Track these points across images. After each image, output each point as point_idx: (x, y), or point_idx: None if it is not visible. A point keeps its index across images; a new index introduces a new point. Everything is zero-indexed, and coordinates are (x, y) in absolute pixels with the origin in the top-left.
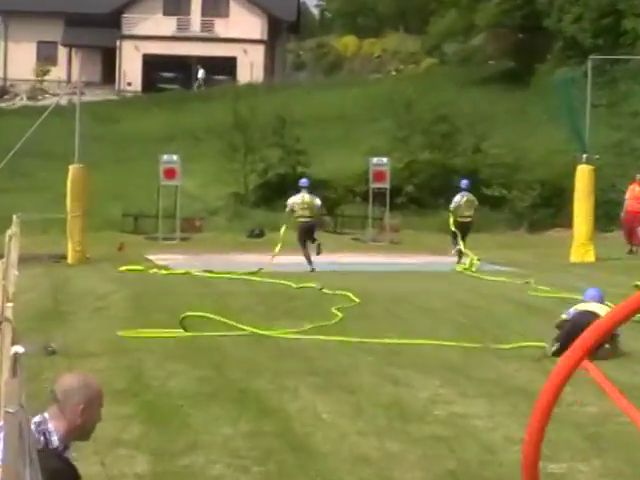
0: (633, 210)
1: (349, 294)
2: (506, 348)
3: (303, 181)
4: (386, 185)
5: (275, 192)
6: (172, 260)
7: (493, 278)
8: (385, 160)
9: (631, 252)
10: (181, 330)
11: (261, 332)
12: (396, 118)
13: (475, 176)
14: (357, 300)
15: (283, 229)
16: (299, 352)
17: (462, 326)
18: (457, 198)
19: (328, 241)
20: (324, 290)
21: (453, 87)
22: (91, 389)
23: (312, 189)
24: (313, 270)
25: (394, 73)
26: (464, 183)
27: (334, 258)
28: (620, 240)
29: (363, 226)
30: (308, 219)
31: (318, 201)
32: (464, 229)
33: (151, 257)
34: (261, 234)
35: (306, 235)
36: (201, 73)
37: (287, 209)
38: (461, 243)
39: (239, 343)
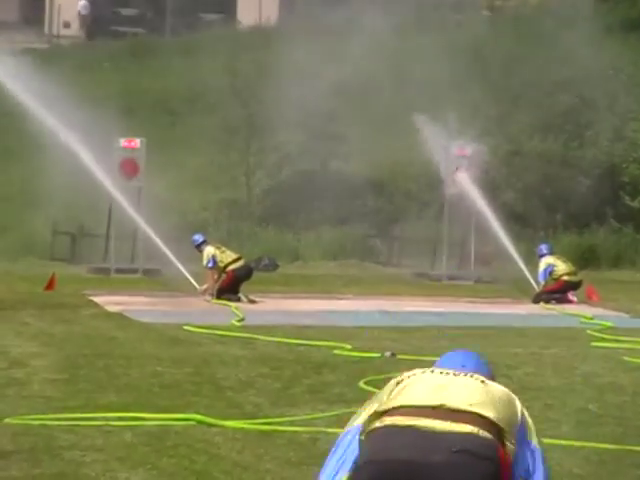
0: None
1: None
2: None
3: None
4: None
5: (294, 200)
6: (130, 305)
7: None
8: (467, 152)
9: None
10: (142, 416)
11: (217, 422)
12: (489, 85)
13: (615, 178)
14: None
15: None
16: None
17: (593, 417)
18: (543, 265)
19: (377, 276)
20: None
21: (581, 34)
22: None
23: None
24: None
25: (486, 13)
26: (543, 248)
27: (383, 304)
28: None
29: (434, 255)
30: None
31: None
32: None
33: (97, 300)
34: (272, 266)
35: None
36: (82, 5)
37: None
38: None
39: (233, 439)
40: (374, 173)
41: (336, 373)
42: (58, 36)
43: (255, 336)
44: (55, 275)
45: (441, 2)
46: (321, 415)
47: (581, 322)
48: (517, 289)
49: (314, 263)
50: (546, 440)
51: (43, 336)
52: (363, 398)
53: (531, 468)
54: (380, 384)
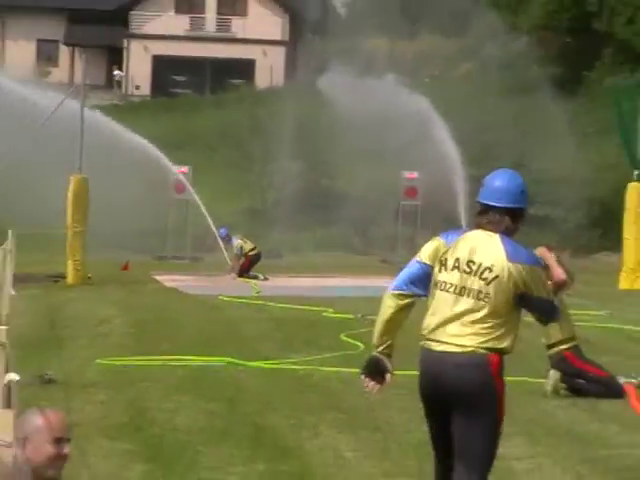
0: None
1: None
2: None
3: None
4: (417, 202)
5: (294, 208)
6: (181, 282)
7: None
8: (416, 174)
9: None
10: (190, 358)
11: (242, 362)
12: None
13: None
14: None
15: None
16: (320, 385)
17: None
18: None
19: (354, 262)
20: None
21: (493, 95)
22: (29, 423)
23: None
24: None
25: (427, 80)
26: None
27: (357, 281)
28: None
29: (393, 247)
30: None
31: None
32: None
33: (158, 278)
34: (278, 255)
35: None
36: (117, 74)
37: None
38: None
39: (254, 374)
40: (353, 189)
41: (324, 329)
42: (132, 95)
43: (267, 303)
44: (129, 261)
45: (396, 72)
46: (314, 358)
47: None
48: None
49: (309, 253)
50: None
51: (121, 303)
52: (343, 346)
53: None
54: (355, 337)
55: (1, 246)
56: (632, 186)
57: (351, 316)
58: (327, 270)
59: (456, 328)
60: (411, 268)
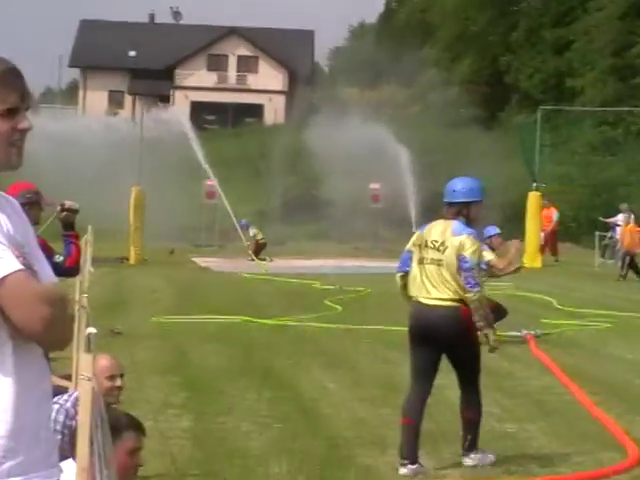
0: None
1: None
2: None
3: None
4: (380, 205)
5: (292, 209)
6: (212, 262)
7: None
8: (379, 185)
9: (556, 261)
10: (217, 317)
11: (255, 320)
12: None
13: None
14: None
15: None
16: (311, 337)
17: None
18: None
19: (335, 249)
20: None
21: (434, 129)
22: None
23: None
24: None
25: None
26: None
27: (337, 262)
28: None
29: (364, 237)
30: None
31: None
32: None
33: (195, 260)
34: (280, 243)
35: None
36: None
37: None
38: None
39: (264, 330)
40: (334, 196)
41: (313, 296)
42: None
43: (273, 278)
44: (174, 248)
45: (364, 112)
46: (307, 317)
47: None
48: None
49: (303, 242)
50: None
51: (168, 277)
52: (327, 309)
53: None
54: (335, 302)
55: (84, 237)
56: (531, 194)
57: (332, 287)
58: (315, 254)
59: (433, 288)
60: (403, 256)
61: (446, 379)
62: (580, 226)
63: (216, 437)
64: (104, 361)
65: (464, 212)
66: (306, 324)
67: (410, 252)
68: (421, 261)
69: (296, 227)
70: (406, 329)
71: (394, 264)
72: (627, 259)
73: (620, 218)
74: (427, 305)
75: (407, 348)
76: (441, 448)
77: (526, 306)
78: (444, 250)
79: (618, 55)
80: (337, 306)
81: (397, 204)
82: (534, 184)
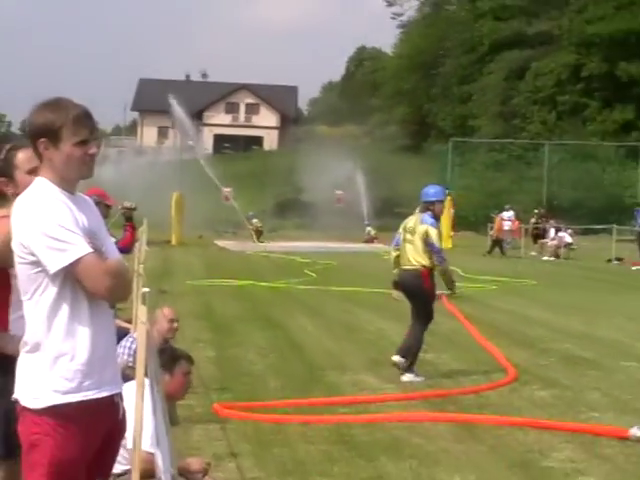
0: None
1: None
2: None
3: None
4: (342, 206)
5: (283, 208)
6: (229, 244)
7: None
8: (342, 192)
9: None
10: (233, 281)
11: (257, 283)
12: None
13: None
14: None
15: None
16: (296, 296)
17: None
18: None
19: (317, 235)
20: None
21: (380, 155)
22: (157, 314)
23: None
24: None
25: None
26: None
27: (318, 244)
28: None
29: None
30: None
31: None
32: None
33: (217, 242)
34: (273, 231)
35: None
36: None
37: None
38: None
39: (266, 290)
40: (313, 200)
41: (297, 267)
42: (204, 154)
43: (269, 255)
44: (202, 234)
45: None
46: (293, 281)
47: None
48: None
49: (290, 231)
50: (373, 289)
51: (198, 255)
52: (306, 275)
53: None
54: (311, 271)
55: (140, 227)
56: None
57: (309, 261)
58: (298, 239)
59: (408, 257)
60: (396, 237)
61: (392, 328)
62: (477, 220)
63: (231, 363)
64: (167, 310)
65: (431, 208)
66: (292, 286)
67: (400, 235)
68: (404, 241)
69: (285, 220)
70: (362, 289)
71: (352, 245)
72: (495, 242)
73: (505, 215)
74: (404, 269)
75: (362, 302)
76: (385, 370)
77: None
78: (414, 234)
79: (503, 104)
80: (313, 274)
81: (354, 205)
82: (447, 191)
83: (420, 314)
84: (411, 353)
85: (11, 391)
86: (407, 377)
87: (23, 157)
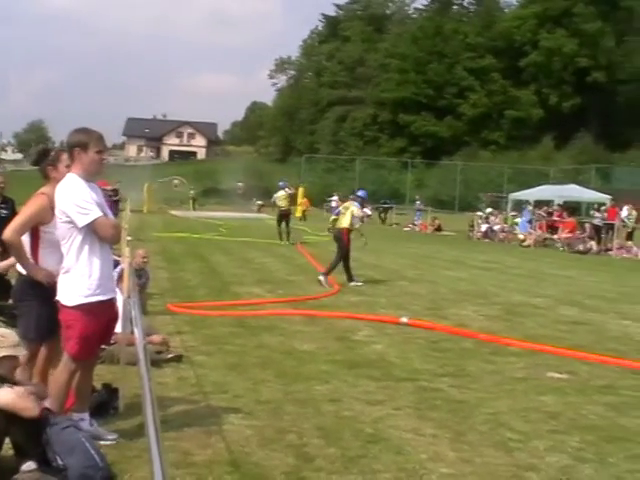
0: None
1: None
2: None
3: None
4: (241, 191)
5: (209, 192)
6: (177, 213)
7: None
8: (241, 183)
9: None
10: (179, 233)
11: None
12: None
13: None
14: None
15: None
16: (216, 243)
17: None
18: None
19: (226, 208)
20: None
21: (262, 163)
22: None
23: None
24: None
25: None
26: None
27: (227, 213)
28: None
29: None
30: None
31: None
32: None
33: (170, 212)
34: (202, 205)
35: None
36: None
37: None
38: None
39: (197, 239)
40: (227, 186)
41: (215, 226)
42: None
43: (199, 219)
44: (162, 206)
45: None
46: (213, 234)
47: None
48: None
49: (215, 205)
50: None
51: (161, 219)
52: (221, 232)
53: None
54: (225, 228)
55: (125, 202)
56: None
57: (222, 222)
58: (216, 210)
59: (341, 222)
60: (335, 210)
61: (271, 262)
62: (318, 201)
63: (177, 280)
64: (141, 250)
65: (359, 200)
66: (212, 237)
67: (340, 210)
68: (341, 214)
69: (209, 199)
70: (253, 240)
71: (247, 214)
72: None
73: (334, 198)
74: (337, 229)
75: (253, 246)
76: (266, 285)
77: (301, 232)
78: (346, 211)
79: (334, 135)
80: (224, 230)
81: (248, 190)
82: (303, 184)
83: (340, 251)
84: (331, 268)
85: (47, 298)
86: (322, 277)
87: (65, 157)
